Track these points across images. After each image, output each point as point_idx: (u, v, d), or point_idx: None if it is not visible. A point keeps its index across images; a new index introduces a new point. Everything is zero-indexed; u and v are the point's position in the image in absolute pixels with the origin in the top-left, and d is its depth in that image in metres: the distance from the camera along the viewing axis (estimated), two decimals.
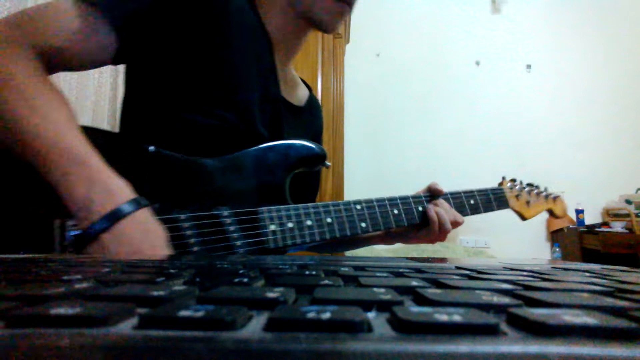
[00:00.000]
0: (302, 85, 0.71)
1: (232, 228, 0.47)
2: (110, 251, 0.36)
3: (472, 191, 0.67)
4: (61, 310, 0.08)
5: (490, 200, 0.68)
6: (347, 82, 2.05)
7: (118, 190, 0.38)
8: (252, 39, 0.55)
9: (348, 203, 0.55)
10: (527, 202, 0.73)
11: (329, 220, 0.53)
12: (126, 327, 0.08)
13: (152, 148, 0.48)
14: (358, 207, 0.55)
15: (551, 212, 0.77)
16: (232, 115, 0.52)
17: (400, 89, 2.52)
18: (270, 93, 0.58)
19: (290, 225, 0.50)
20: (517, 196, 0.72)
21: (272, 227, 0.49)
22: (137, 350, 0.07)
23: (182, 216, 0.46)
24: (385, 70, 2.55)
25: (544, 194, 0.76)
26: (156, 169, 0.47)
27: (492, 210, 0.68)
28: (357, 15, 2.28)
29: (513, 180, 0.75)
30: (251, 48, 0.55)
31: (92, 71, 1.34)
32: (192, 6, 0.50)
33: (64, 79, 1.26)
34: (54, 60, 0.45)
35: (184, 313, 0.08)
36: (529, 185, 0.76)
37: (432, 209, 0.60)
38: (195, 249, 0.46)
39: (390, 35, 2.57)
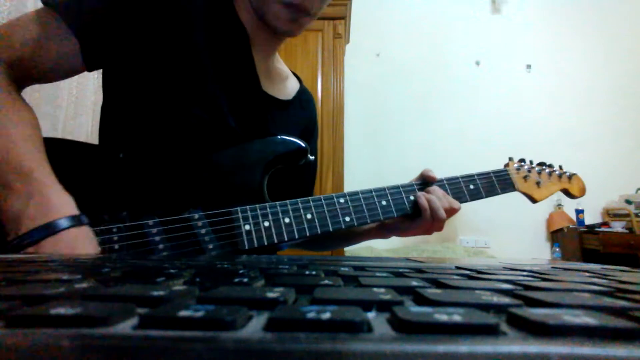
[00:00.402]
0: (292, 78, 0.68)
1: (203, 231, 0.46)
2: None
3: (471, 175, 0.61)
4: (61, 310, 0.08)
5: (494, 183, 0.62)
6: (347, 82, 2.04)
7: (57, 205, 0.37)
8: (223, 33, 0.54)
9: (331, 197, 0.53)
10: (537, 183, 0.67)
11: (308, 216, 0.50)
12: (126, 327, 0.08)
13: (121, 154, 0.47)
14: (341, 200, 0.53)
15: (567, 192, 0.70)
16: (201, 110, 0.51)
17: (400, 89, 2.52)
18: (246, 87, 0.56)
19: (266, 224, 0.48)
20: (525, 177, 0.66)
21: (247, 227, 0.47)
22: (137, 350, 0.07)
23: (151, 222, 0.45)
24: (385, 70, 2.55)
25: (557, 172, 0.70)
26: (128, 175, 0.47)
27: (495, 194, 0.62)
28: (357, 15, 2.29)
29: (522, 161, 0.68)
30: (222, 42, 0.53)
31: (91, 72, 1.34)
32: (154, 3, 0.49)
33: (63, 81, 1.27)
34: (24, 72, 0.45)
35: (184, 313, 0.08)
36: (540, 164, 0.69)
37: (422, 197, 0.57)
38: (165, 254, 0.44)
39: (390, 35, 2.57)
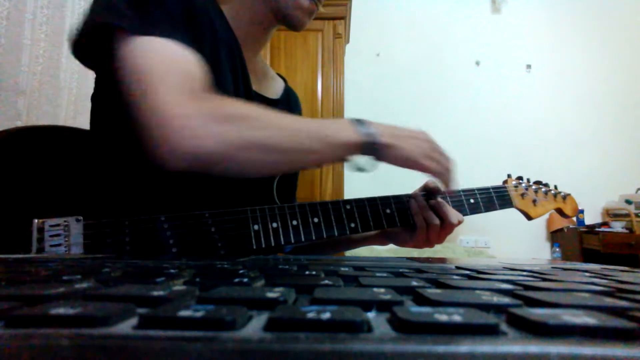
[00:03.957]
0: (277, 78, 0.70)
1: (214, 229, 0.47)
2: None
3: (472, 190, 0.63)
4: (61, 310, 0.08)
5: (493, 199, 0.64)
6: (347, 82, 2.04)
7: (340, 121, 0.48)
8: (221, 35, 0.54)
9: (337, 202, 0.54)
10: (534, 201, 0.69)
11: (315, 220, 0.51)
12: (126, 327, 0.08)
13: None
14: (347, 206, 0.54)
15: (560, 212, 0.74)
16: None
17: (400, 89, 2.52)
18: (240, 87, 0.57)
19: (274, 225, 0.49)
20: (522, 195, 0.68)
21: (256, 228, 0.49)
22: (137, 350, 0.07)
23: (163, 217, 0.45)
24: (385, 70, 2.54)
25: (552, 192, 0.73)
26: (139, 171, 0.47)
27: (494, 209, 0.65)
28: (357, 15, 2.28)
29: (519, 179, 0.71)
30: (222, 44, 0.54)
31: (91, 72, 1.34)
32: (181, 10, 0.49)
33: (63, 80, 1.26)
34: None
35: (184, 313, 0.08)
36: (536, 183, 0.72)
37: (413, 202, 0.58)
38: (175, 250, 0.45)
39: (390, 35, 2.57)
